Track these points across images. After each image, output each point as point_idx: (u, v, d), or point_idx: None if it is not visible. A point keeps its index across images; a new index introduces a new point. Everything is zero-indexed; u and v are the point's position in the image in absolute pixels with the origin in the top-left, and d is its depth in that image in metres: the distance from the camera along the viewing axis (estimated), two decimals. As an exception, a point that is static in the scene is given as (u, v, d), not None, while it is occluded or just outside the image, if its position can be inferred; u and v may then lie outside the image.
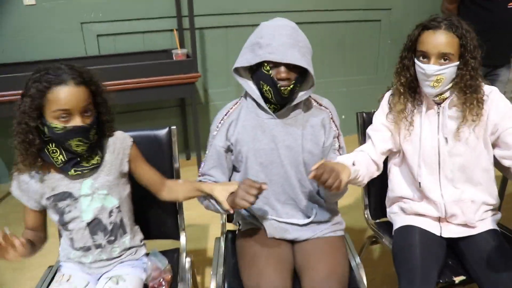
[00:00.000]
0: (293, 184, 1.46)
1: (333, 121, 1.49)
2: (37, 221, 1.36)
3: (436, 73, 1.39)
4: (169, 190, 1.47)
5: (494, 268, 1.39)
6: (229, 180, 1.52)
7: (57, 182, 1.30)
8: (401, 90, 1.51)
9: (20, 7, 2.72)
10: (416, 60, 1.44)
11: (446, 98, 1.47)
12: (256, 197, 1.27)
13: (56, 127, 1.19)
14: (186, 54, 2.84)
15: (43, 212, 1.37)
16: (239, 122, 1.45)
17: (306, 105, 1.45)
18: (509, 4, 2.57)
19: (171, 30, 3.05)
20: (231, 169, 1.52)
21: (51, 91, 1.17)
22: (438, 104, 1.49)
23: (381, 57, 3.86)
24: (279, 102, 1.39)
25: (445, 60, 1.39)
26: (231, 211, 1.36)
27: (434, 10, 3.29)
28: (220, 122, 1.48)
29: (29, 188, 1.30)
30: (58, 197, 1.30)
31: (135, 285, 1.36)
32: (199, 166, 3.06)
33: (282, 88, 1.32)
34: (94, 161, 1.30)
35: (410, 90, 1.52)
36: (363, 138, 1.72)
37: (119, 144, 1.38)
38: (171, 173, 1.62)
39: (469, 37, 1.39)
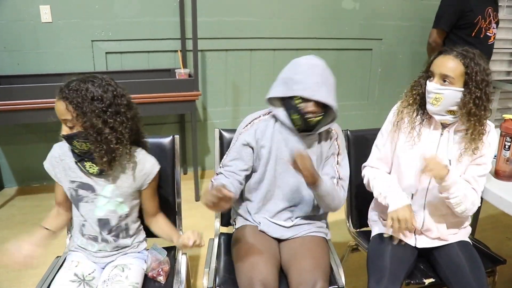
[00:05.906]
0: (295, 195, 1.63)
1: (337, 142, 1.66)
2: (64, 196, 1.52)
3: (434, 90, 1.49)
4: (154, 224, 1.60)
5: (463, 273, 1.51)
6: (251, 173, 1.64)
7: (84, 174, 1.45)
8: (410, 101, 1.61)
9: (37, 24, 2.88)
10: (427, 80, 1.55)
11: (449, 124, 1.55)
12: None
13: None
14: (188, 73, 2.97)
15: None
16: (268, 130, 1.62)
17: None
18: (489, 41, 2.93)
19: (175, 51, 3.19)
20: (251, 163, 1.64)
21: None
22: (444, 127, 1.58)
23: (372, 84, 3.97)
24: (304, 130, 1.57)
25: (444, 81, 1.49)
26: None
27: (422, 42, 3.49)
28: (249, 123, 1.65)
29: (58, 165, 1.47)
30: (82, 185, 1.46)
31: (138, 273, 1.50)
32: (195, 180, 3.20)
33: (309, 119, 1.51)
34: (93, 169, 1.42)
35: (420, 106, 1.61)
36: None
37: (148, 167, 1.52)
38: (172, 177, 1.76)
39: (477, 70, 1.45)
